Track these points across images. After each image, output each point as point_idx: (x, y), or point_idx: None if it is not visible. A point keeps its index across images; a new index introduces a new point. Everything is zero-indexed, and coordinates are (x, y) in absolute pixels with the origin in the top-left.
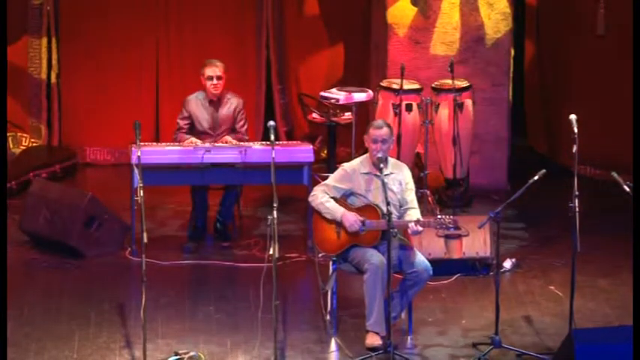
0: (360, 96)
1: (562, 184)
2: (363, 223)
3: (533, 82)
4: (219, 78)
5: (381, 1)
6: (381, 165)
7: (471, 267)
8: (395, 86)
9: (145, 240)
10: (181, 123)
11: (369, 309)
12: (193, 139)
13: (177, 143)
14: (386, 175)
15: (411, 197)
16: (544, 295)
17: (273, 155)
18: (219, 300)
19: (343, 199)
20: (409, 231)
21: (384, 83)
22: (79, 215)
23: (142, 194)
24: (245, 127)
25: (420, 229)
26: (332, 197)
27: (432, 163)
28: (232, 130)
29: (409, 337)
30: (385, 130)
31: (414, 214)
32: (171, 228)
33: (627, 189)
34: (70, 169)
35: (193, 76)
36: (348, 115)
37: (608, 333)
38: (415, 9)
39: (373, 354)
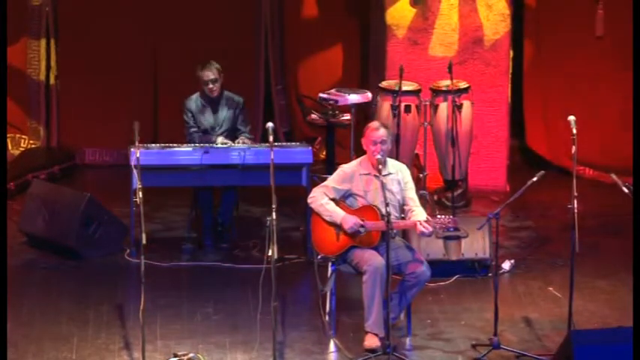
0: (358, 97)
1: (561, 185)
2: (362, 226)
3: (532, 83)
4: (214, 81)
5: (380, 2)
6: (380, 166)
7: (469, 268)
8: (394, 87)
9: (144, 241)
10: (192, 122)
11: (367, 310)
12: (223, 140)
13: (181, 144)
14: (385, 175)
15: (412, 196)
16: (543, 296)
17: (272, 156)
18: (218, 301)
19: (342, 201)
20: (417, 232)
21: (382, 84)
22: (78, 216)
23: (140, 195)
24: (249, 127)
25: (430, 229)
26: (331, 199)
27: (431, 165)
28: (233, 130)
29: (408, 339)
30: (383, 131)
31: (419, 212)
32: (170, 229)
33: (626, 190)
34: (69, 171)
35: (192, 76)
36: (347, 116)
37: (607, 334)
38: (414, 10)
39: (372, 355)
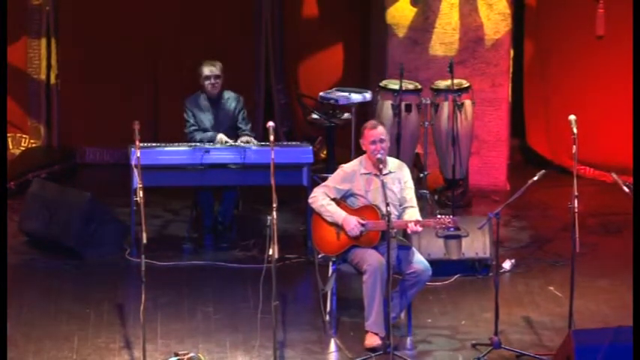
0: (359, 97)
1: (561, 184)
2: (363, 226)
3: (533, 83)
4: (216, 77)
5: (380, 1)
6: (381, 165)
7: (470, 267)
8: (394, 87)
9: (144, 240)
10: (192, 121)
11: (368, 309)
12: (224, 137)
13: (181, 144)
14: (385, 174)
15: (410, 196)
16: (543, 295)
17: (273, 156)
18: (218, 301)
19: (342, 200)
20: (408, 231)
21: (383, 84)
22: (78, 216)
23: (141, 195)
24: (249, 125)
25: (419, 229)
26: (332, 198)
27: (432, 164)
28: (233, 129)
29: (408, 338)
30: (380, 128)
31: (412, 213)
32: (171, 229)
33: (626, 190)
34: (70, 170)
35: (192, 76)
36: (347, 115)
37: (607, 334)
38: (414, 9)
39: (372, 354)
